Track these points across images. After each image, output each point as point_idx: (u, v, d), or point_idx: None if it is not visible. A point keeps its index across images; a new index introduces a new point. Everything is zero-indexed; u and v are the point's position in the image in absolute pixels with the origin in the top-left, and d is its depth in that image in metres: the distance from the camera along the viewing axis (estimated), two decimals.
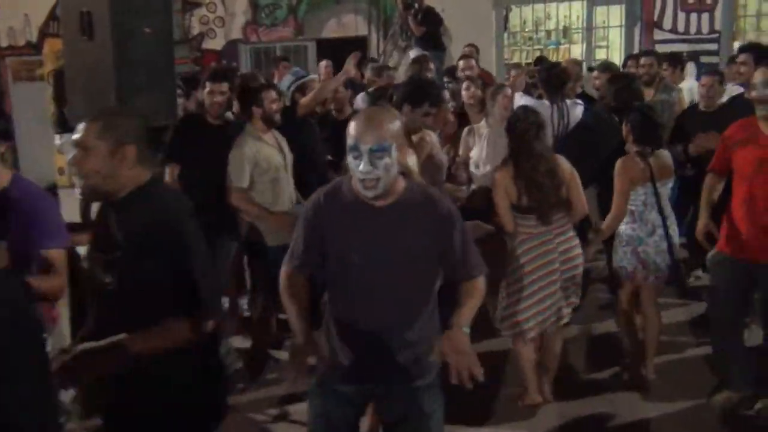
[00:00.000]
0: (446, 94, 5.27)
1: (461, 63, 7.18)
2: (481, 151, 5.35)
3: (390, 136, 2.52)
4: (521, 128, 4.20)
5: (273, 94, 4.91)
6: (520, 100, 6.13)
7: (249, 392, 4.80)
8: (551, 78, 5.80)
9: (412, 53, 9.72)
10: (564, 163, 4.24)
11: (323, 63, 9.39)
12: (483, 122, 5.58)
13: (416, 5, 10.34)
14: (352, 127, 2.55)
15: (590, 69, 8.49)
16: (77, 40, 4.48)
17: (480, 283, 2.78)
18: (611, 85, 5.66)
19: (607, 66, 7.17)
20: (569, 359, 5.09)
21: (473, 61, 7.25)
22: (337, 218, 2.66)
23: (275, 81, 8.14)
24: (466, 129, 5.65)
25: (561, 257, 4.25)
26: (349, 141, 2.54)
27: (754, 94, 3.89)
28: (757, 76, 3.88)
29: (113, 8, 4.34)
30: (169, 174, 4.87)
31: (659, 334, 4.78)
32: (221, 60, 12.07)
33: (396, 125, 2.58)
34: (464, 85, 6.04)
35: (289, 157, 4.94)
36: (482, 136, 5.45)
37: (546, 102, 5.66)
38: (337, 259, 2.68)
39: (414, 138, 4.69)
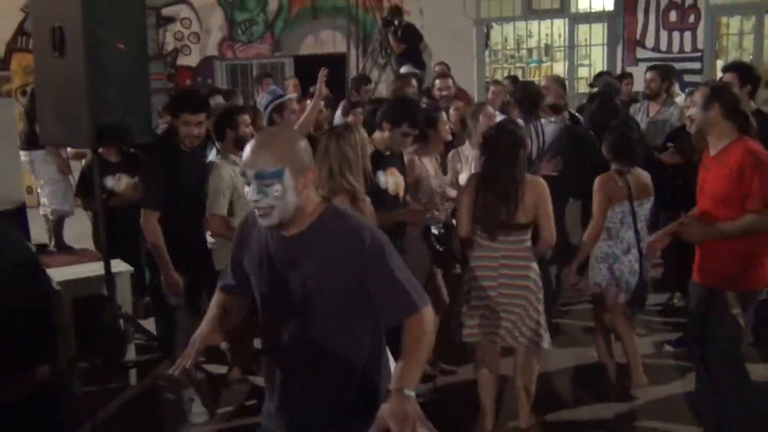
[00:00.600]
0: (443, 115, 5.22)
1: (438, 82, 7.16)
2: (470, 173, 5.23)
3: (282, 160, 2.25)
4: (492, 146, 4.15)
5: (247, 117, 4.80)
6: (497, 118, 6.11)
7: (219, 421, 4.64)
8: (526, 97, 5.76)
9: (404, 69, 9.81)
10: (536, 188, 4.12)
11: (290, 81, 9.29)
12: (466, 143, 5.54)
13: (396, 22, 10.33)
14: (244, 151, 2.33)
15: (591, 86, 8.46)
16: (48, 56, 4.35)
17: (423, 318, 2.36)
18: (590, 103, 5.67)
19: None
20: (555, 384, 5.02)
21: (450, 81, 7.22)
22: (255, 243, 2.48)
23: (258, 98, 8.21)
24: (451, 153, 5.56)
25: (501, 279, 4.13)
26: (240, 167, 2.35)
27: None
28: (697, 96, 3.89)
29: (86, 23, 4.21)
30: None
31: (636, 350, 4.78)
32: (196, 77, 12.05)
33: (295, 148, 2.31)
34: (452, 107, 5.99)
35: None
36: (468, 159, 5.41)
37: (520, 121, 5.61)
38: (254, 287, 2.51)
39: (405, 159, 4.70)
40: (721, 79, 6.26)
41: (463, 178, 5.32)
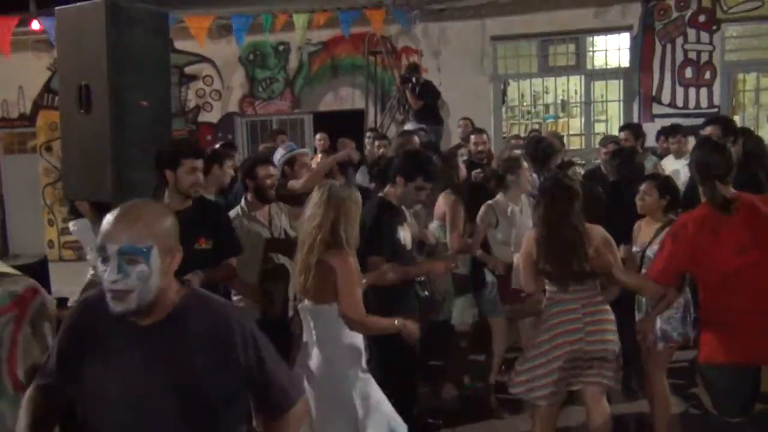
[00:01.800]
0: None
1: (474, 137, 7.13)
2: (512, 228, 5.36)
3: (150, 236, 2.00)
4: (552, 196, 4.25)
5: (270, 169, 4.91)
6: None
7: None
8: (538, 151, 5.89)
9: (408, 126, 9.96)
10: (598, 236, 4.21)
11: (318, 136, 9.49)
12: (500, 197, 5.52)
13: (414, 79, 10.52)
14: (103, 222, 2.04)
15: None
16: (74, 112, 4.50)
17: (295, 415, 2.22)
18: (613, 160, 5.77)
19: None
20: None
21: (485, 136, 7.21)
22: (96, 336, 2.09)
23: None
24: (484, 208, 5.49)
25: (587, 328, 4.17)
26: (98, 239, 2.03)
27: None
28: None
29: (111, 81, 4.37)
30: None
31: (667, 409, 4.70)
32: (217, 132, 12.26)
33: (165, 224, 2.08)
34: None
35: (281, 232, 4.92)
36: (506, 213, 5.43)
37: (534, 175, 5.74)
38: (92, 392, 2.09)
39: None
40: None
41: (500, 232, 5.41)
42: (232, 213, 4.87)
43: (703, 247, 3.40)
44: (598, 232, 4.24)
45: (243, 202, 4.91)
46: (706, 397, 3.55)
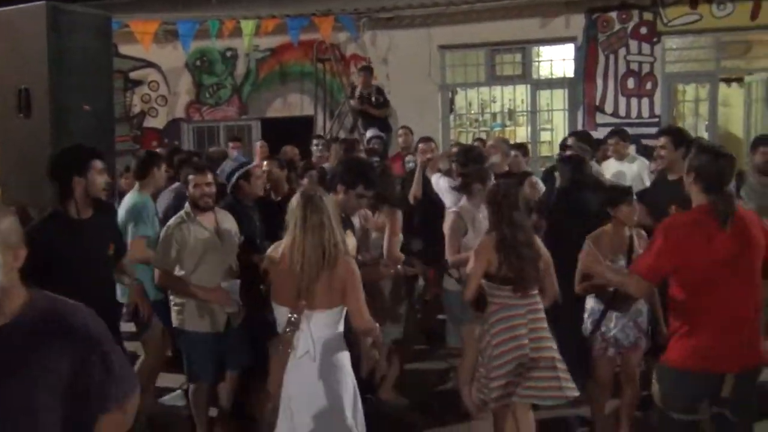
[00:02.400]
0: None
1: (421, 146, 7.09)
2: (478, 236, 5.13)
3: None
4: (504, 198, 4.37)
5: (205, 177, 4.87)
6: (439, 180, 6.29)
7: None
8: (469, 160, 5.88)
9: (369, 133, 10.01)
10: (539, 242, 4.40)
11: (259, 143, 9.50)
12: (465, 203, 5.43)
13: (373, 99, 10.54)
14: None
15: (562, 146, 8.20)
16: (13, 117, 4.44)
17: (131, 403, 2.23)
18: (565, 165, 5.87)
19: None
20: None
21: (433, 144, 7.19)
22: None
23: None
24: (454, 212, 5.40)
25: (530, 335, 4.31)
26: None
27: None
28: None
29: (52, 85, 4.32)
30: None
31: (633, 404, 4.84)
32: (163, 138, 12.13)
33: (2, 223, 2.04)
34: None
35: (229, 237, 4.92)
36: (473, 220, 5.31)
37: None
38: None
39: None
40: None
41: (469, 242, 5.22)
42: (174, 218, 4.86)
43: (693, 251, 3.38)
44: (538, 239, 4.44)
45: (186, 206, 4.90)
46: (659, 399, 3.49)
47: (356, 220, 5.00)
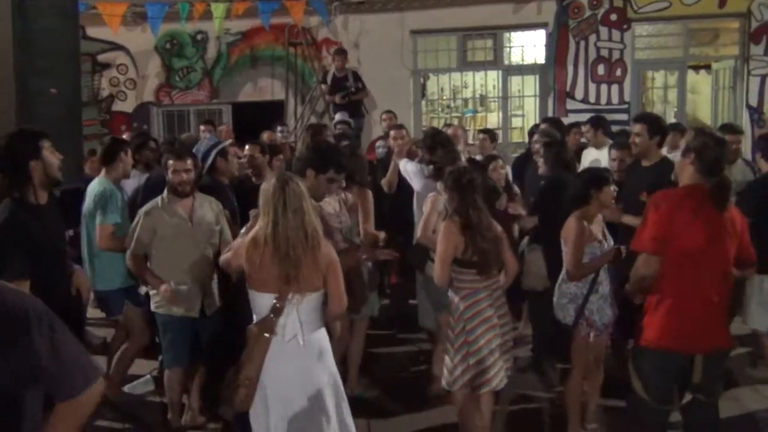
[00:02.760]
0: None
1: (393, 132, 7.00)
2: None
3: None
4: (467, 182, 4.38)
5: (184, 163, 4.83)
6: (406, 165, 6.28)
7: None
8: (435, 145, 5.83)
9: (337, 117, 10.06)
10: (495, 223, 4.45)
11: (223, 127, 9.40)
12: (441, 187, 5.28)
13: (353, 88, 10.59)
14: None
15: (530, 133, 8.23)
16: None
17: (92, 394, 2.15)
18: (548, 151, 5.85)
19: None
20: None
21: (404, 131, 7.06)
22: None
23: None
24: (435, 196, 5.28)
25: (498, 312, 4.40)
26: None
27: None
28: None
29: (18, 68, 4.26)
30: None
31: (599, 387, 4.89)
32: (132, 122, 11.99)
33: None
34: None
35: (203, 224, 4.89)
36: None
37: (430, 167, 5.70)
38: None
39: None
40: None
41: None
42: (150, 203, 4.84)
43: (680, 224, 3.48)
44: (496, 224, 4.49)
45: (165, 192, 4.86)
46: (637, 382, 3.60)
47: (334, 204, 4.98)
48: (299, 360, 3.56)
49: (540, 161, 5.99)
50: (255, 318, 3.62)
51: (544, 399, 5.45)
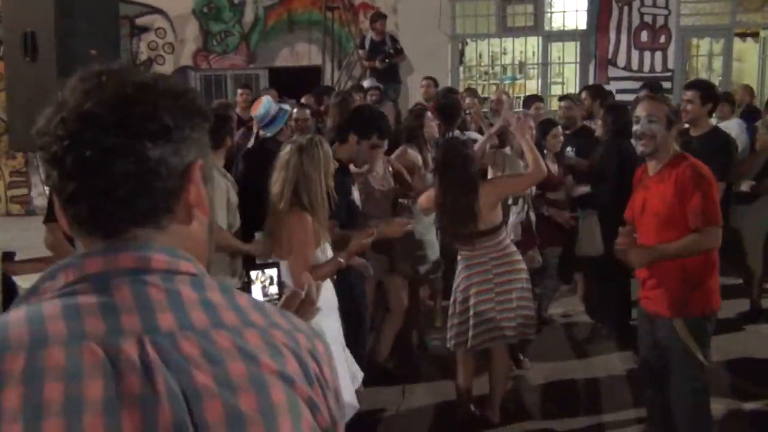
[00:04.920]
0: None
1: (468, 101, 7.13)
2: None
3: None
4: (448, 159, 4.34)
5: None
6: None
7: None
8: (445, 108, 5.88)
9: (366, 83, 9.91)
10: (485, 190, 4.33)
11: (240, 90, 9.33)
12: (508, 149, 5.60)
13: (392, 50, 10.47)
14: None
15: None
16: (19, 61, 4.40)
17: None
18: (608, 115, 5.81)
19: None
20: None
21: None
22: None
23: (237, 109, 8.10)
24: (492, 149, 5.54)
25: (497, 279, 4.36)
26: None
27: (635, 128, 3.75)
28: (639, 110, 3.73)
29: (58, 29, 4.28)
30: None
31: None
32: None
33: None
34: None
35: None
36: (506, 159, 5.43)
37: (474, 134, 5.87)
38: None
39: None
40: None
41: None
42: None
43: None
44: (488, 185, 4.41)
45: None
46: (698, 350, 3.58)
47: (378, 169, 4.93)
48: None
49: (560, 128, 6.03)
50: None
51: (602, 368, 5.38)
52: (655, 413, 3.93)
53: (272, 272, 2.58)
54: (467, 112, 7.09)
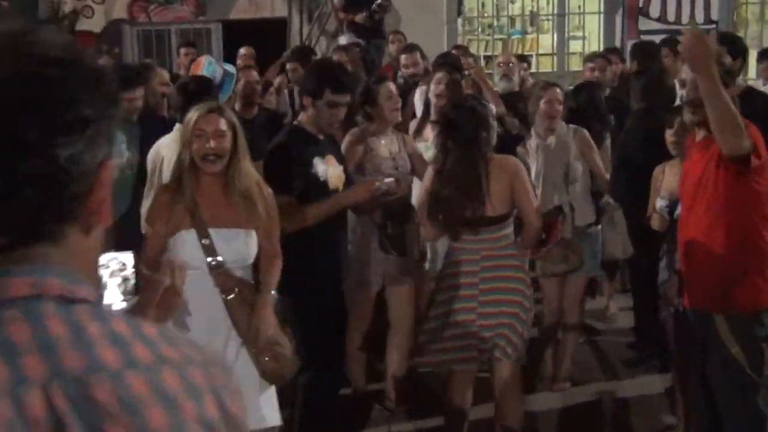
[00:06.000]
0: (391, 87, 4.99)
1: (404, 57, 6.79)
2: (536, 166, 5.00)
3: None
4: (449, 130, 4.12)
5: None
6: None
7: None
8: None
9: (342, 40, 9.47)
10: (505, 169, 4.07)
11: (182, 50, 8.71)
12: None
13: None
14: None
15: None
16: None
17: None
18: (638, 81, 5.56)
19: None
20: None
21: (417, 55, 6.78)
22: None
23: (180, 71, 7.94)
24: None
25: (483, 284, 4.05)
26: None
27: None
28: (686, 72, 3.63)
29: None
30: None
31: None
32: (100, 45, 11.02)
33: None
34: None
35: None
36: (531, 148, 5.13)
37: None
38: None
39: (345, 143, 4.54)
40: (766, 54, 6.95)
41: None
42: None
43: None
44: (509, 163, 4.13)
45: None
46: (740, 352, 3.43)
47: (391, 146, 4.78)
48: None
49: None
50: None
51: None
52: (703, 418, 3.82)
53: (125, 258, 2.62)
54: (467, 72, 6.55)
